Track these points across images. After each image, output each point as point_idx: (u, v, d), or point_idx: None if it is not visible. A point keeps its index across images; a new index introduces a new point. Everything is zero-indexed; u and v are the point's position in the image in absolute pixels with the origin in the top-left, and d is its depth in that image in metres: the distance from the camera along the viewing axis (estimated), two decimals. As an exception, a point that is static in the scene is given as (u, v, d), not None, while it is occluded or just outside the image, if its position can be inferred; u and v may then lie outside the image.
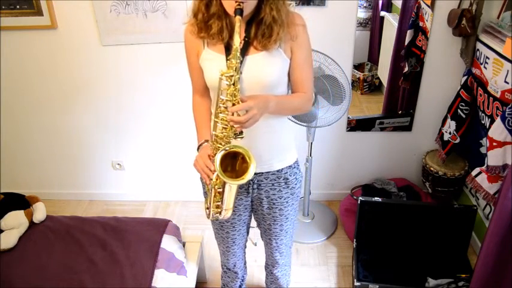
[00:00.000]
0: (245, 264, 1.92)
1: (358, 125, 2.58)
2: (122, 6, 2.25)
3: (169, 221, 2.04)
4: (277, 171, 1.48)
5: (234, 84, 1.20)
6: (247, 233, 1.76)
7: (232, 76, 1.20)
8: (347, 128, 2.60)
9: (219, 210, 1.40)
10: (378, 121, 2.57)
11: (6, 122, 2.70)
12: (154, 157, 2.79)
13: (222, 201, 1.37)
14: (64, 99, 2.59)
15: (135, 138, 2.72)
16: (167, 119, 2.63)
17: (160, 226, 1.98)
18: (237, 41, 1.19)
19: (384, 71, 2.56)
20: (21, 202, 2.04)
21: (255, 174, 1.42)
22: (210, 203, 1.40)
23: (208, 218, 1.47)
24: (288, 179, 1.50)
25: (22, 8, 2.27)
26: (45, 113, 2.65)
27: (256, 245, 2.50)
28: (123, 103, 2.58)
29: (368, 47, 2.55)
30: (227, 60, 1.25)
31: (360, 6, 2.28)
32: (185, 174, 2.74)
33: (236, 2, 1.17)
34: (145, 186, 2.92)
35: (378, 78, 2.65)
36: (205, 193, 1.53)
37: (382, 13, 2.45)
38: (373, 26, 2.45)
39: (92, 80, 2.51)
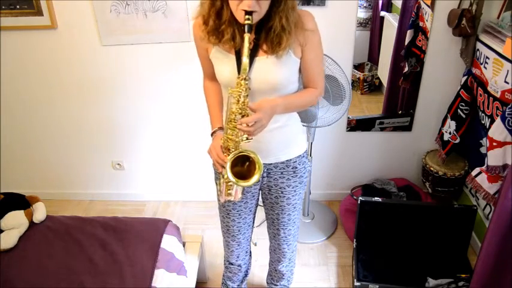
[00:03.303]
0: (250, 257, 1.91)
1: (358, 125, 2.58)
2: (122, 6, 2.25)
3: (169, 221, 2.04)
4: (287, 160, 1.51)
5: (243, 101, 1.26)
6: (253, 225, 1.77)
7: (240, 94, 1.25)
8: (347, 128, 2.60)
9: (231, 197, 1.47)
10: (377, 121, 2.57)
11: (6, 122, 2.70)
12: (154, 157, 2.79)
13: (232, 190, 1.45)
14: (64, 99, 2.59)
15: (135, 138, 2.72)
16: (167, 119, 2.62)
17: (160, 226, 1.98)
18: (246, 62, 1.21)
19: (384, 71, 2.56)
20: (21, 202, 2.04)
21: (264, 164, 1.47)
22: (222, 191, 1.46)
23: (220, 201, 1.55)
24: (296, 167, 1.53)
25: (22, 8, 2.27)
26: (45, 113, 2.65)
27: (256, 245, 2.49)
28: (123, 103, 2.58)
29: (368, 47, 2.55)
30: (238, 77, 1.27)
31: (360, 6, 2.28)
32: (185, 174, 2.74)
33: (245, 15, 1.17)
34: (145, 186, 2.92)
35: (378, 78, 2.64)
36: (216, 178, 1.58)
37: (382, 13, 2.45)
38: (373, 26, 2.45)
39: (92, 80, 2.51)
